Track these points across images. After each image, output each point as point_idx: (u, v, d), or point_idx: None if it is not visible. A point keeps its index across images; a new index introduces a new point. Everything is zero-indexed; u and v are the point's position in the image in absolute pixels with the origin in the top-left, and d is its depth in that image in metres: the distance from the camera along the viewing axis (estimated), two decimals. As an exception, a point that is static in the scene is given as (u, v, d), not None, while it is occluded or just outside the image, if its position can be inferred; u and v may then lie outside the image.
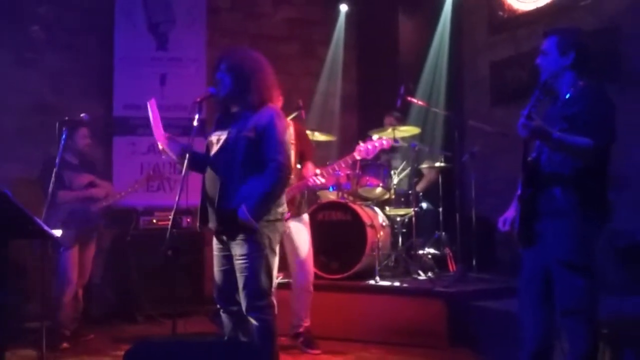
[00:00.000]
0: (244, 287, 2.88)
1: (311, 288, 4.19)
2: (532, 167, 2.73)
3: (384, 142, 4.03)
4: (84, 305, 4.79)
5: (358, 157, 4.08)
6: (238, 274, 2.91)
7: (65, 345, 4.36)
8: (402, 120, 5.37)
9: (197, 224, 3.08)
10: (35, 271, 4.53)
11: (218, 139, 3.00)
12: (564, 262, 2.64)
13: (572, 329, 2.65)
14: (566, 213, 2.63)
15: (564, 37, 2.74)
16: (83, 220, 4.47)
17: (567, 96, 2.64)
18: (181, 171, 2.88)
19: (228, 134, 2.96)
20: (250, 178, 2.86)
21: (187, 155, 2.87)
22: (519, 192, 2.84)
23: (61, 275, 4.39)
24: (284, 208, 3.03)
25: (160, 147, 3.07)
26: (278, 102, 3.10)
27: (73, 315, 4.53)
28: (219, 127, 3.06)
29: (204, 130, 5.15)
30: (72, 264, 4.45)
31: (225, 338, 3.11)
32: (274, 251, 2.96)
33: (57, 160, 3.85)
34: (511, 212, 2.93)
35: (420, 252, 5.16)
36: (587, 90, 2.66)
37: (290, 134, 3.11)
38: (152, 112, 3.05)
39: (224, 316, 3.10)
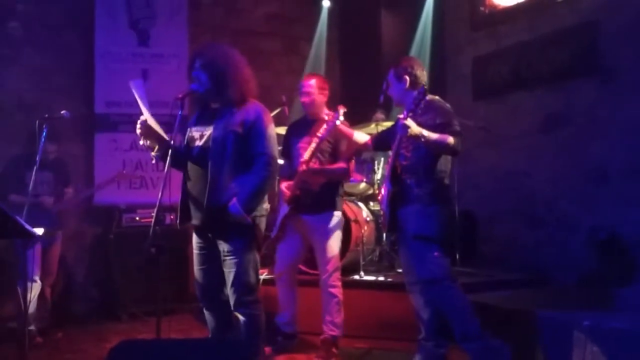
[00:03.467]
0: (233, 283, 2.89)
1: (330, 290, 3.86)
2: (395, 166, 3.35)
3: (332, 121, 3.60)
4: (67, 304, 4.75)
5: (318, 135, 3.70)
6: (226, 270, 2.91)
7: (38, 339, 4.37)
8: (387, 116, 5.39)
9: (177, 222, 3.06)
10: (14, 270, 4.47)
11: (201, 134, 2.99)
12: (419, 236, 3.26)
13: (441, 294, 3.25)
14: (419, 199, 3.28)
15: (397, 68, 3.46)
16: (42, 222, 4.34)
17: (416, 110, 3.20)
18: (163, 168, 2.86)
19: (214, 130, 2.95)
20: (239, 173, 2.88)
21: (170, 151, 2.85)
22: (385, 186, 3.44)
23: (28, 273, 4.31)
24: (267, 205, 3.06)
25: (140, 129, 2.90)
26: (255, 95, 3.07)
27: (39, 314, 4.50)
28: (200, 122, 3.05)
29: (185, 127, 5.15)
30: (35, 263, 4.37)
31: (210, 335, 3.12)
32: (259, 247, 3.01)
33: (37, 158, 3.81)
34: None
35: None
36: (430, 103, 3.28)
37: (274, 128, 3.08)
38: (138, 93, 2.97)
39: (207, 314, 3.11)
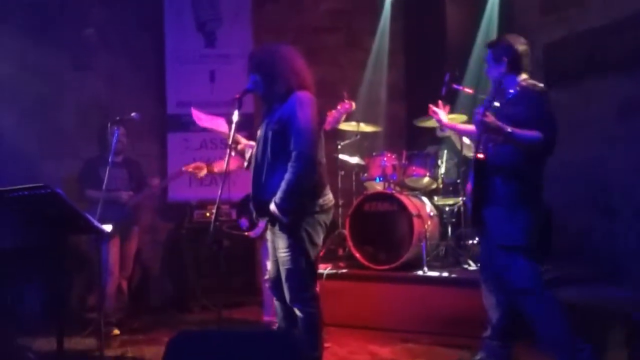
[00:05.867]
0: (286, 280, 2.93)
1: None
2: (480, 160, 3.05)
3: (346, 105, 3.48)
4: (143, 296, 4.96)
5: (327, 128, 3.54)
6: (280, 267, 2.96)
7: (115, 331, 4.58)
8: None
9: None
10: (93, 265, 4.75)
11: (261, 133, 3.08)
12: (504, 246, 3.00)
13: (528, 308, 2.98)
14: (505, 200, 3.00)
15: (495, 48, 3.19)
16: (119, 215, 4.54)
17: (510, 97, 3.03)
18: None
19: (261, 128, 3.03)
20: (280, 170, 2.86)
21: (228, 151, 2.98)
22: (470, 181, 3.21)
23: (103, 267, 4.54)
24: (325, 199, 2.98)
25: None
26: (306, 86, 2.98)
27: (117, 305, 4.74)
28: (263, 121, 3.13)
29: (251, 125, 5.27)
30: (113, 257, 4.62)
31: (277, 326, 3.17)
32: (314, 244, 2.95)
33: (110, 158, 4.00)
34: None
35: (470, 241, 5.06)
36: (526, 91, 3.03)
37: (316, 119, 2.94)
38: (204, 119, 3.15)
39: (276, 304, 3.15)
